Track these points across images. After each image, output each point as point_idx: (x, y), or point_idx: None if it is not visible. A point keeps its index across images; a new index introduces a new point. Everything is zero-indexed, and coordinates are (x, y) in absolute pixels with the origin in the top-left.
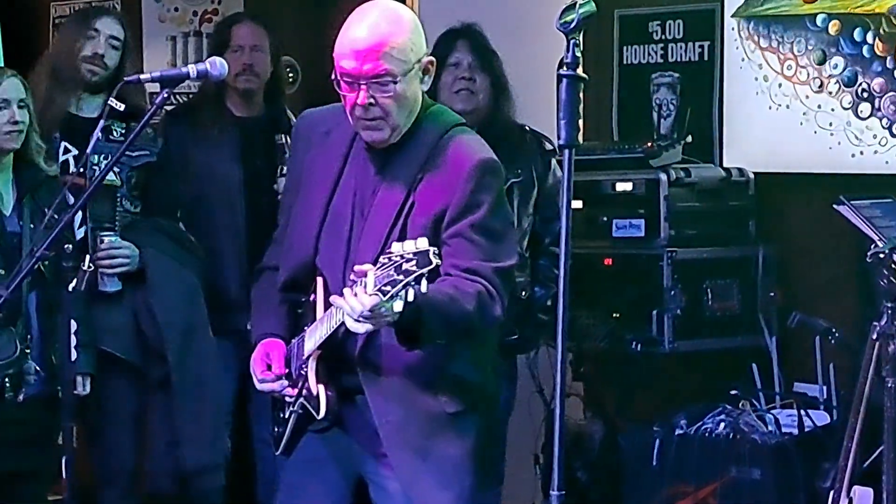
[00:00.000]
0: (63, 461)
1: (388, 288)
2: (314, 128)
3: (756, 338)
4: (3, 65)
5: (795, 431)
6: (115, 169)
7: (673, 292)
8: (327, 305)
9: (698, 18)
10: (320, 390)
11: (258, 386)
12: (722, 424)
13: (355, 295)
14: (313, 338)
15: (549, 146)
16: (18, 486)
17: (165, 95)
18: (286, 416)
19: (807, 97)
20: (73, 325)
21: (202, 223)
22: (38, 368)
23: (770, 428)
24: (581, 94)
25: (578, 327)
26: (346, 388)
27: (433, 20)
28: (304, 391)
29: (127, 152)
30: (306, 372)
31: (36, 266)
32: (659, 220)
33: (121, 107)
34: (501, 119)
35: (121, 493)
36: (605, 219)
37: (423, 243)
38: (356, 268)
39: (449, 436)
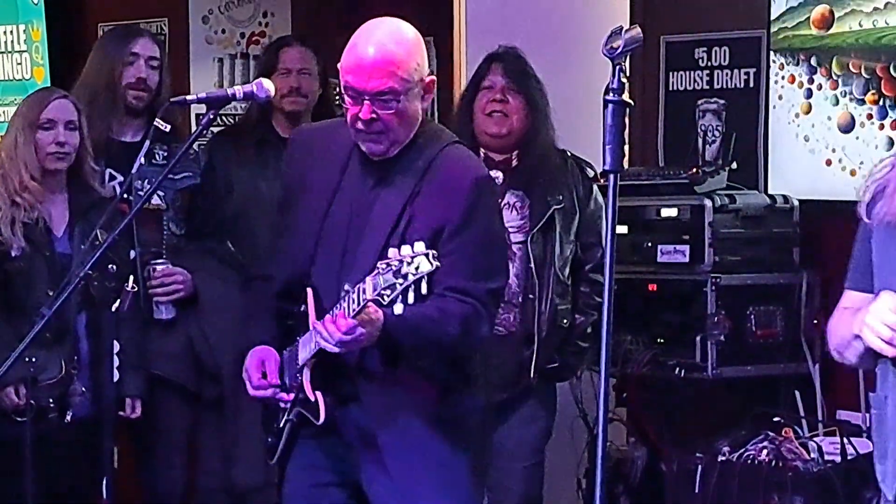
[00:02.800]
0: (104, 482)
1: (388, 292)
2: (311, 142)
3: (799, 365)
4: (49, 83)
5: (838, 459)
6: (160, 193)
7: (717, 318)
8: (319, 315)
9: (744, 46)
10: (318, 396)
11: (251, 392)
12: (765, 451)
13: (334, 321)
14: (307, 347)
15: (590, 172)
16: None
17: (211, 116)
18: (280, 424)
19: (840, 130)
20: (116, 347)
21: (245, 243)
22: (84, 389)
23: (813, 455)
24: (626, 120)
25: (622, 352)
26: (342, 395)
27: (480, 46)
28: (300, 398)
29: (170, 175)
30: (301, 380)
31: (81, 287)
32: (703, 245)
33: (167, 128)
34: (541, 144)
35: None
36: (649, 244)
37: (420, 247)
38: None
39: (448, 441)
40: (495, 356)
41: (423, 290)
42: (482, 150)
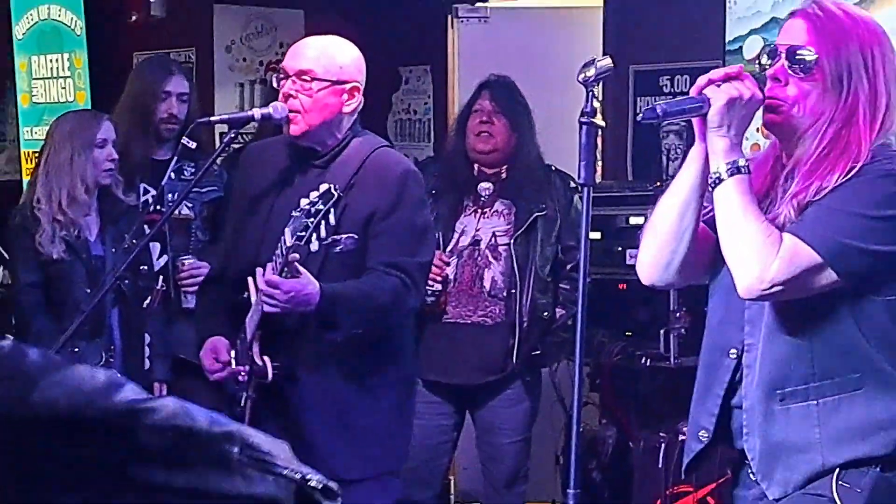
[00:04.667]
0: None
1: (304, 233)
2: (258, 153)
3: None
4: (90, 105)
5: None
6: (189, 204)
7: (678, 314)
8: None
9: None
10: (266, 360)
11: (210, 377)
12: None
13: (265, 282)
14: (252, 321)
15: (573, 184)
16: None
17: (233, 135)
18: (241, 403)
19: None
20: (147, 338)
21: None
22: (119, 376)
23: None
24: (598, 140)
25: (595, 344)
26: (288, 365)
27: (472, 74)
28: (255, 370)
29: (197, 188)
30: (251, 353)
31: (117, 285)
32: None
33: (193, 145)
34: (525, 158)
35: None
36: (619, 248)
37: (323, 186)
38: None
39: (366, 408)
40: (483, 344)
41: (332, 220)
42: (475, 165)
